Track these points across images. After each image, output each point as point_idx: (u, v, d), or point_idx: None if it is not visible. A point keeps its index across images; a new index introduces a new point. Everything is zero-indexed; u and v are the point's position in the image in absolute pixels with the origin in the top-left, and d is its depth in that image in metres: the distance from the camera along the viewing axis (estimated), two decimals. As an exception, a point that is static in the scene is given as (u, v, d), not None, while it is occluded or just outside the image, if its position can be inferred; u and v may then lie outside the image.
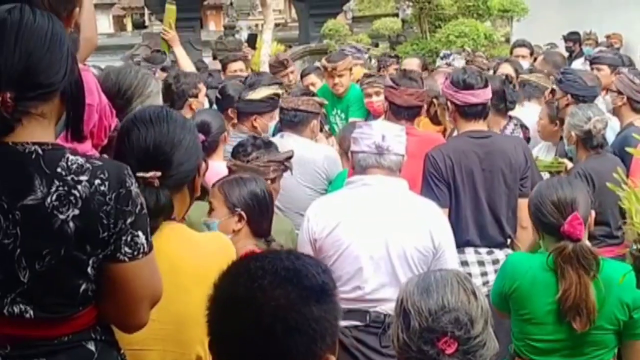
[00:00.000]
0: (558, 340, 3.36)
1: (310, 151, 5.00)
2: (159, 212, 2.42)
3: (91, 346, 2.16)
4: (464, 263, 4.54)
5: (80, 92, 2.18)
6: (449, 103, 4.74)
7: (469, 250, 4.59)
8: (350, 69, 7.27)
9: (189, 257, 2.52)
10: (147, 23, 33.84)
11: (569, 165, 5.26)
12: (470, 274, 4.43)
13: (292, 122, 5.12)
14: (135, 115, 2.58)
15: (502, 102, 5.35)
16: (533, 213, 3.46)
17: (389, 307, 3.62)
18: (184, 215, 2.62)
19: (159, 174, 2.42)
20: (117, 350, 2.25)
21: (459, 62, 7.45)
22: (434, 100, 5.89)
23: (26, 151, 2.07)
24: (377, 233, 3.70)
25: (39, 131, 2.09)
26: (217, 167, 4.43)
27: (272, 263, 1.61)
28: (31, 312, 2.08)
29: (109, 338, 2.23)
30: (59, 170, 2.07)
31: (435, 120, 5.92)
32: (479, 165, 4.60)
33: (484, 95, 4.66)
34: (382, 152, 3.76)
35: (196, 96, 5.58)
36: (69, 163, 2.08)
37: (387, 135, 3.79)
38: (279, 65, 8.18)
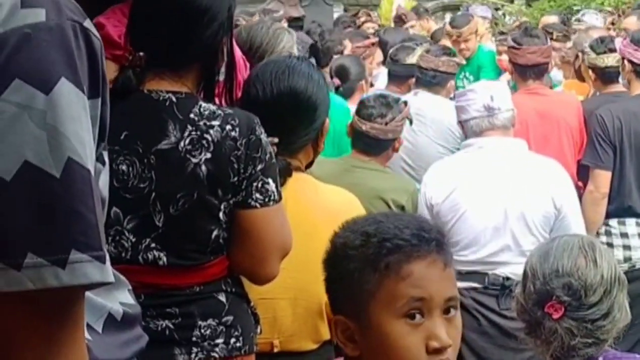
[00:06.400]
0: None
1: (444, 109, 4.93)
2: None
3: (222, 298, 2.19)
4: (624, 235, 4.44)
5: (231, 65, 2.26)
6: (625, 62, 4.63)
7: (630, 222, 4.46)
8: (476, 32, 7.15)
9: (318, 205, 2.52)
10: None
11: None
12: (629, 247, 4.37)
13: (430, 82, 5.03)
14: (257, 73, 2.54)
15: None
16: None
17: (508, 270, 3.64)
18: (306, 167, 2.60)
19: (276, 140, 2.39)
20: (247, 303, 2.27)
21: (590, 18, 7.20)
22: (579, 54, 5.73)
23: (160, 98, 2.12)
24: (495, 198, 3.67)
25: (175, 86, 2.15)
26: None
27: (393, 224, 1.58)
28: (164, 259, 2.11)
29: (239, 290, 2.25)
30: (191, 115, 2.11)
31: (580, 75, 5.76)
32: None
33: None
34: (493, 112, 3.72)
35: (341, 53, 5.57)
36: (202, 109, 2.12)
37: (494, 94, 3.77)
38: (398, 20, 8.22)
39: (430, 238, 1.50)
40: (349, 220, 1.58)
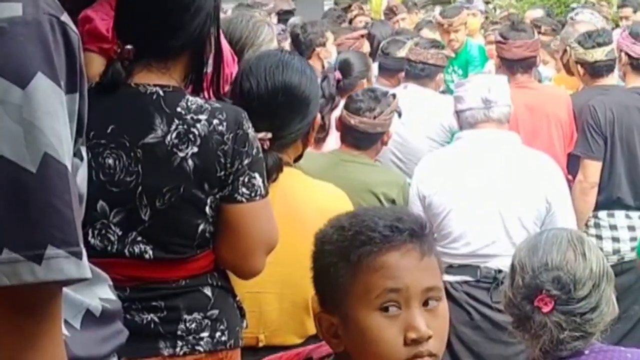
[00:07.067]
0: None
1: (434, 102, 4.93)
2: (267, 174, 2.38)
3: (208, 291, 2.19)
4: (613, 227, 4.47)
5: (218, 53, 2.24)
6: (622, 54, 4.67)
7: (619, 214, 4.49)
8: (465, 23, 7.17)
9: (307, 200, 2.52)
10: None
11: None
12: (618, 239, 4.40)
13: (419, 75, 5.03)
14: (250, 66, 2.54)
15: None
16: None
17: (500, 263, 3.63)
18: (295, 160, 2.61)
19: (269, 135, 2.40)
20: (233, 297, 2.27)
21: (582, 16, 7.20)
22: (567, 49, 5.74)
23: (147, 92, 2.12)
24: (487, 191, 3.67)
25: (163, 79, 2.14)
26: None
27: (369, 217, 1.57)
28: (150, 253, 2.12)
29: (225, 284, 2.25)
30: (178, 109, 2.10)
31: (568, 69, 5.77)
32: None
33: None
34: (489, 105, 3.72)
35: (324, 45, 5.56)
36: (189, 103, 2.12)
37: (492, 87, 3.77)
38: (389, 12, 8.28)
39: (403, 228, 1.47)
40: (334, 216, 1.58)
